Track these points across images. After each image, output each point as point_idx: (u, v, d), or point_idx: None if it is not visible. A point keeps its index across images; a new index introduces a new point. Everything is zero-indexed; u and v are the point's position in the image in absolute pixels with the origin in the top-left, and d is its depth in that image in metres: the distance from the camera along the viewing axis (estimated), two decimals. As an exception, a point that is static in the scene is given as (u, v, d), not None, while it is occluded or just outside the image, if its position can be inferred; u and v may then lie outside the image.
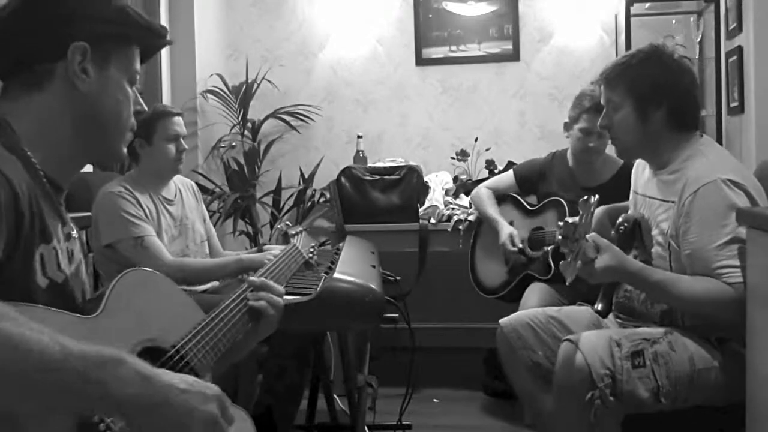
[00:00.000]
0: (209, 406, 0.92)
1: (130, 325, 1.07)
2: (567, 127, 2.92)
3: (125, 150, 1.20)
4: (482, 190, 3.15)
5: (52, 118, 1.09)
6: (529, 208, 3.03)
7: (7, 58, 1.10)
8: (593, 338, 1.83)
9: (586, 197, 1.75)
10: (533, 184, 3.07)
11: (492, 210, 3.06)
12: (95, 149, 1.16)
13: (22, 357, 0.77)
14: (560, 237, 1.77)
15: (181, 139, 2.54)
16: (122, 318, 1.05)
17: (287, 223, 2.19)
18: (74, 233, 1.15)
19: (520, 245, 2.91)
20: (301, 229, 2.14)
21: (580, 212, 1.75)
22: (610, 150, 3.01)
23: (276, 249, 2.57)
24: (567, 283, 1.76)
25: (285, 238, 2.08)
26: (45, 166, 1.07)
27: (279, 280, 1.52)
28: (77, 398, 0.82)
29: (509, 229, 2.95)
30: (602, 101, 2.04)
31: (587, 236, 1.75)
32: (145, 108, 1.23)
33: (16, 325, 0.78)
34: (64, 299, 1.05)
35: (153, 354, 1.07)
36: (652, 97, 1.93)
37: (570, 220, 1.76)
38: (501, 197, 3.13)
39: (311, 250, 2.08)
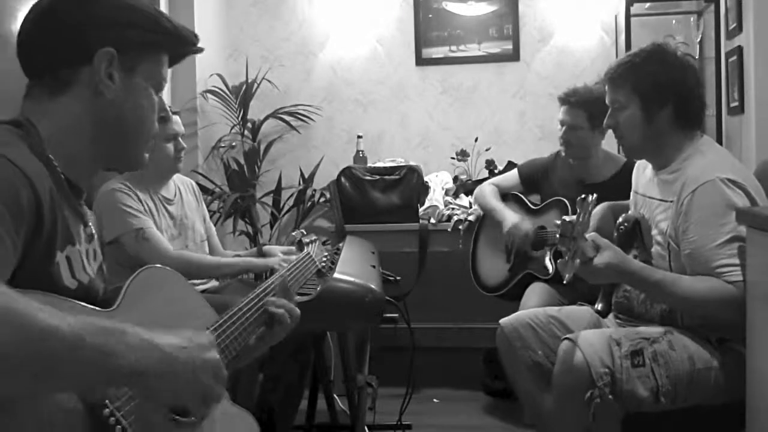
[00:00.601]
0: (211, 353, 0.98)
1: (145, 321, 1.07)
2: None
3: (146, 158, 1.19)
4: (487, 187, 3.16)
5: (74, 123, 1.09)
6: (532, 207, 3.04)
7: (34, 59, 1.10)
8: (593, 337, 1.83)
9: (583, 196, 1.75)
10: (537, 182, 3.08)
11: (496, 203, 3.06)
12: (116, 155, 1.16)
13: (30, 335, 0.77)
14: (558, 235, 1.77)
15: (180, 138, 2.55)
16: (138, 314, 1.06)
17: (302, 231, 2.18)
18: (94, 232, 1.17)
19: (532, 228, 2.89)
20: (315, 237, 2.13)
21: (578, 211, 1.75)
22: (612, 147, 3.04)
23: (276, 249, 2.58)
24: (564, 282, 1.76)
25: (299, 246, 2.08)
26: (66, 168, 1.07)
27: (292, 288, 1.51)
28: (88, 373, 0.83)
29: (515, 218, 2.94)
30: (607, 101, 2.04)
31: (587, 235, 1.75)
32: (170, 114, 1.23)
33: (21, 304, 0.78)
34: (90, 298, 1.06)
35: None
36: (657, 96, 1.93)
37: (567, 218, 1.76)
38: (504, 196, 3.13)
39: (324, 259, 2.08)
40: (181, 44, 1.19)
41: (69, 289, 1.01)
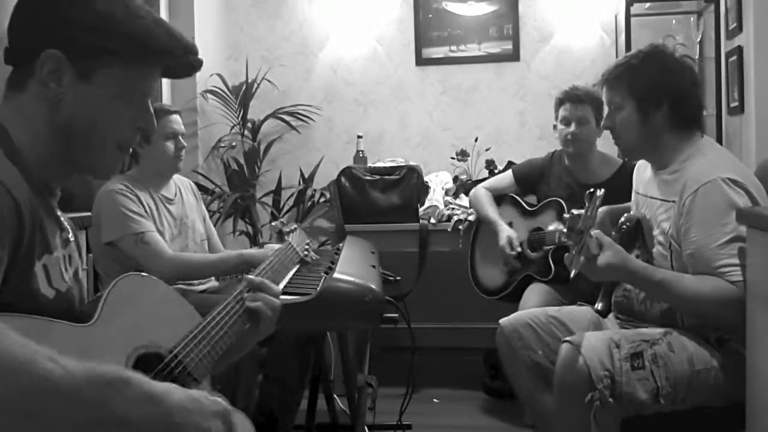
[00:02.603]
0: (215, 423, 0.92)
1: (126, 331, 1.05)
2: (555, 128, 2.97)
3: (111, 168, 1.13)
4: (480, 191, 3.15)
5: (33, 122, 1.05)
6: (528, 208, 3.03)
7: (6, 52, 1.08)
8: (593, 340, 1.83)
9: (592, 190, 1.75)
10: (532, 183, 3.07)
11: (491, 211, 3.06)
12: (75, 161, 1.10)
13: (23, 380, 0.75)
14: (566, 229, 1.76)
15: (180, 137, 2.55)
16: (119, 324, 1.05)
17: (282, 221, 2.18)
18: (71, 236, 1.14)
19: (519, 249, 2.91)
20: (295, 226, 2.13)
21: (586, 204, 1.74)
22: (608, 149, 3.04)
23: (272, 249, 2.57)
24: (571, 276, 1.75)
25: (280, 236, 2.08)
26: (38, 169, 1.05)
27: (275, 279, 1.51)
28: (81, 421, 0.80)
29: (508, 232, 2.95)
30: (605, 102, 2.05)
31: (591, 231, 1.75)
32: (154, 126, 1.15)
33: (17, 346, 0.76)
34: (68, 307, 1.05)
35: (150, 360, 1.06)
36: (653, 98, 1.93)
37: (576, 211, 1.75)
38: (500, 197, 3.13)
39: (306, 246, 2.08)
40: (155, 57, 1.10)
41: (47, 298, 0.99)
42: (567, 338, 1.87)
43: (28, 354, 0.76)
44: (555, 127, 2.97)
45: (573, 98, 2.87)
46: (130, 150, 1.16)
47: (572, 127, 2.85)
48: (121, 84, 1.08)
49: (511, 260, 2.93)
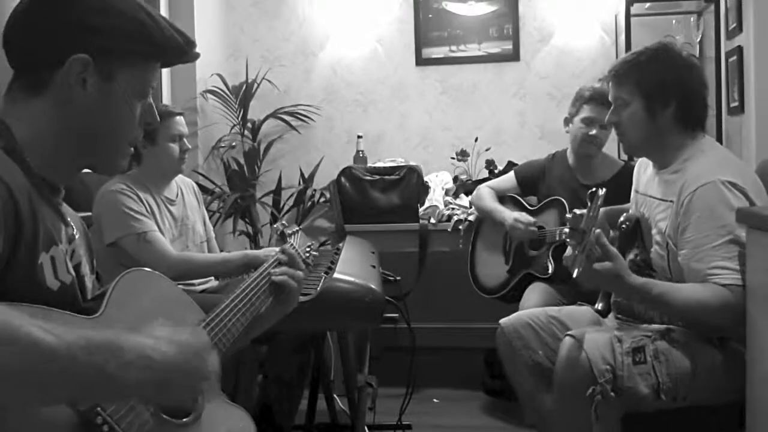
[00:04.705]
0: (207, 358, 0.97)
1: (130, 325, 1.06)
2: (567, 122, 2.93)
3: (122, 164, 1.17)
4: (483, 189, 3.15)
5: (47, 124, 1.07)
6: (529, 207, 3.04)
7: (14, 56, 1.09)
8: (595, 334, 1.83)
9: (594, 189, 1.73)
10: (534, 184, 3.07)
11: (494, 203, 3.06)
12: (89, 159, 1.13)
13: (22, 350, 0.77)
14: (567, 229, 1.74)
15: (184, 139, 2.55)
16: (122, 319, 1.05)
17: (284, 222, 2.18)
18: (76, 233, 1.15)
19: (534, 219, 2.89)
20: (297, 228, 2.13)
21: (588, 204, 1.72)
22: (610, 150, 3.04)
23: (274, 251, 2.57)
24: (573, 276, 1.73)
25: (282, 237, 2.08)
26: (42, 168, 1.06)
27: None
28: (77, 386, 0.83)
29: (515, 213, 2.94)
30: (610, 98, 2.03)
31: (594, 231, 1.73)
32: (158, 120, 1.20)
33: (13, 318, 0.78)
34: (72, 300, 1.06)
35: None
36: (661, 95, 1.92)
37: (578, 211, 1.73)
38: (501, 198, 3.13)
39: (308, 249, 2.08)
40: (168, 55, 1.15)
41: (51, 290, 1.00)
42: (569, 332, 1.86)
43: (29, 329, 0.78)
44: (567, 120, 2.93)
45: (604, 101, 2.81)
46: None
47: (595, 131, 2.82)
48: (137, 82, 1.12)
49: (528, 232, 2.88)
